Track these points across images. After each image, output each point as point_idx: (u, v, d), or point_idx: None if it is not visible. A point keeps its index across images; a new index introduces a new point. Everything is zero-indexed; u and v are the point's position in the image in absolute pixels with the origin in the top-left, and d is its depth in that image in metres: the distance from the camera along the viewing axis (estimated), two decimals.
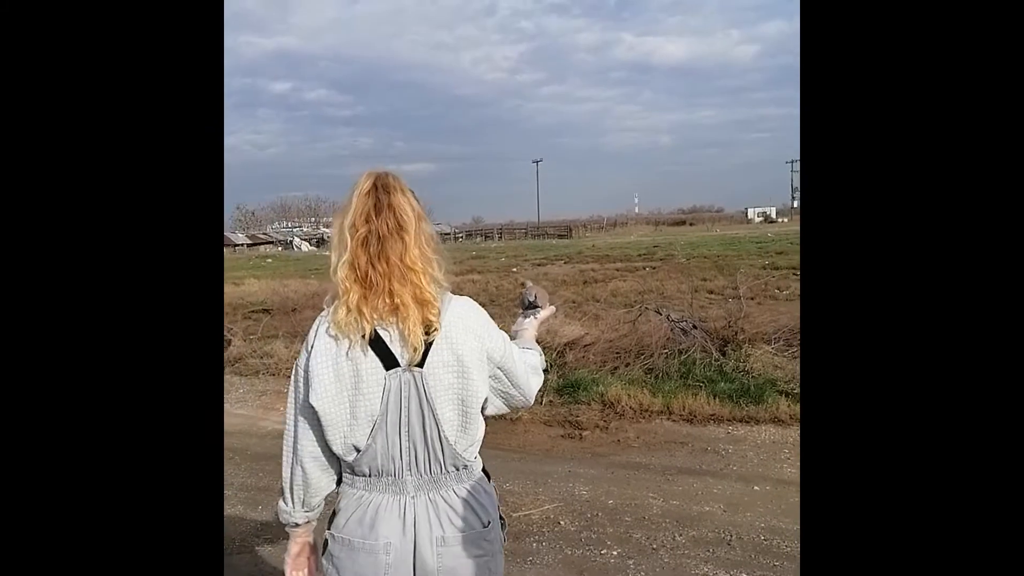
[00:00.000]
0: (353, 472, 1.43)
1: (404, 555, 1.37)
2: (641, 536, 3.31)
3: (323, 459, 1.47)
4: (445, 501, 1.40)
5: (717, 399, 5.39)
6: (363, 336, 1.36)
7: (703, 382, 5.92)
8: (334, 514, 1.46)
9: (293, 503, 1.52)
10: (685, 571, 2.97)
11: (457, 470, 1.41)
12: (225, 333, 8.81)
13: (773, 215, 73.90)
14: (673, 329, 7.18)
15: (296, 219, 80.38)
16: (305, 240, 62.34)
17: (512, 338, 1.63)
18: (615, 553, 3.16)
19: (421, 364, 1.37)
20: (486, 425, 1.50)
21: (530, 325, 1.77)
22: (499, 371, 1.47)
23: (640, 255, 24.63)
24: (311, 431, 1.44)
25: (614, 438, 4.90)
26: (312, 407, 1.38)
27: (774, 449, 4.47)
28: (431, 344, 1.37)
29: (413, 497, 1.39)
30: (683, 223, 74.81)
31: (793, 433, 4.72)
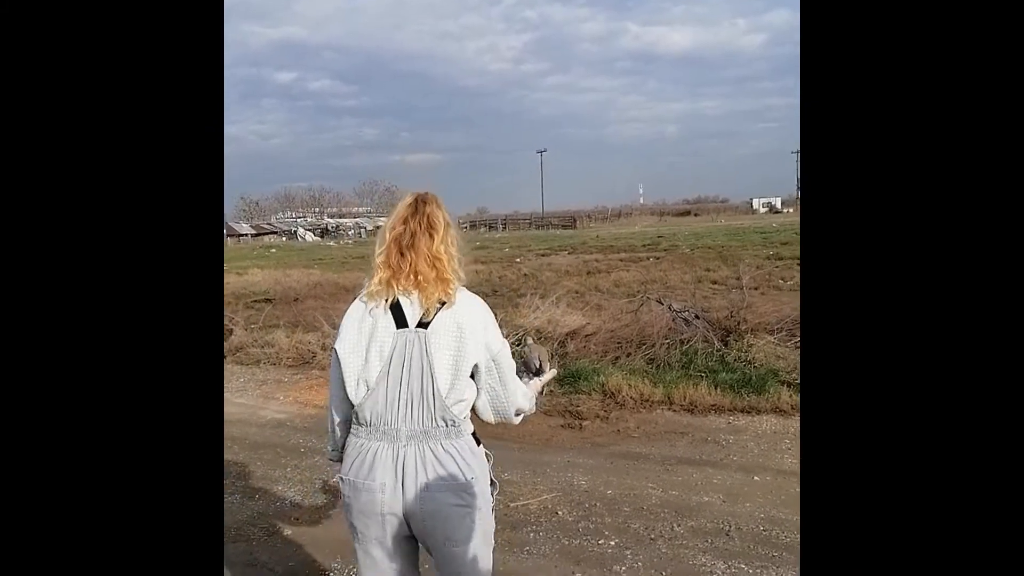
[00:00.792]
0: (358, 421, 1.66)
1: (396, 494, 1.59)
2: (639, 526, 3.28)
3: (348, 422, 1.74)
4: (433, 452, 1.60)
5: (718, 389, 5.35)
6: (386, 301, 1.65)
7: (705, 372, 5.89)
8: (342, 460, 1.71)
9: (333, 447, 1.83)
10: (683, 561, 2.94)
11: (446, 425, 1.61)
12: (226, 323, 8.81)
13: (778, 205, 73.52)
14: (675, 319, 7.14)
15: (300, 209, 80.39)
16: (309, 230, 62.35)
17: None
18: (613, 543, 3.13)
19: (426, 326, 1.62)
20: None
21: (531, 385, 1.94)
22: (492, 363, 1.68)
23: (644, 245, 24.56)
24: (342, 403, 1.71)
25: (614, 428, 4.87)
26: (337, 354, 1.67)
27: (775, 439, 4.43)
28: (439, 311, 1.64)
29: (404, 446, 1.60)
30: (688, 214, 74.65)
31: (794, 423, 4.69)
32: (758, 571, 2.84)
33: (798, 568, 2.80)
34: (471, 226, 65.62)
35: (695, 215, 71.28)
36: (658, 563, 2.94)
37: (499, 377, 1.69)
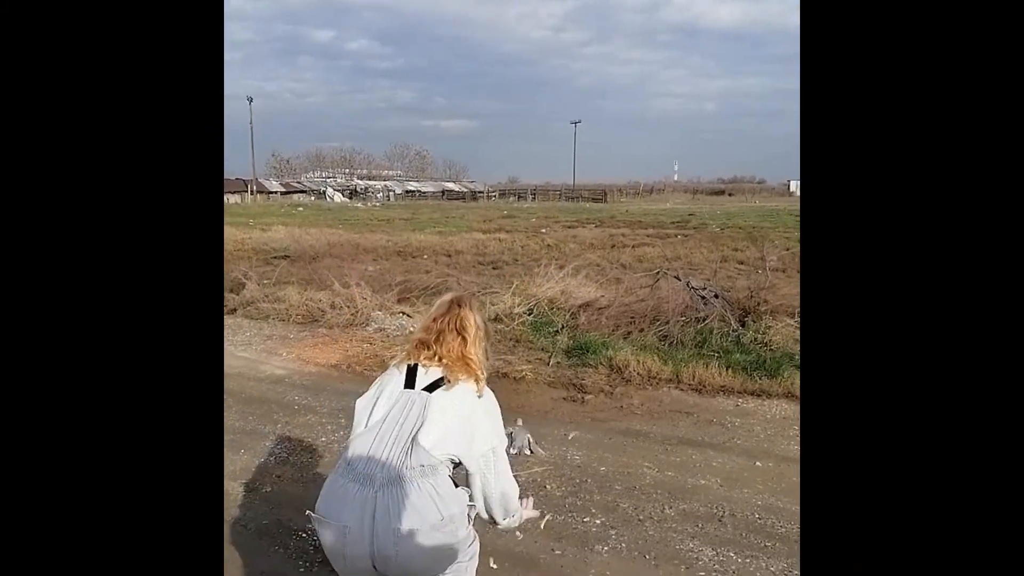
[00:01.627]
0: (342, 459, 1.68)
1: (360, 540, 1.53)
2: (628, 506, 3.14)
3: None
4: (406, 495, 1.55)
5: (730, 370, 5.15)
6: (406, 366, 1.76)
7: (718, 352, 5.69)
8: (320, 499, 1.65)
9: None
10: (669, 545, 2.80)
11: (422, 467, 1.58)
12: (240, 277, 8.78)
13: None
14: (693, 296, 6.92)
15: (330, 169, 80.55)
16: (338, 191, 62.54)
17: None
18: (598, 522, 2.99)
19: (431, 389, 1.69)
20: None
21: (522, 503, 1.87)
22: (491, 453, 1.69)
23: (673, 223, 24.12)
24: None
25: (617, 404, 4.71)
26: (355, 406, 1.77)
27: (783, 425, 4.24)
28: (454, 385, 1.71)
29: (377, 491, 1.56)
30: (722, 193, 73.42)
31: None
32: (747, 561, 2.68)
33: (790, 560, 2.63)
34: (500, 195, 65.29)
35: (729, 195, 70.05)
36: (643, 545, 2.79)
37: (494, 466, 1.70)
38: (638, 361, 5.37)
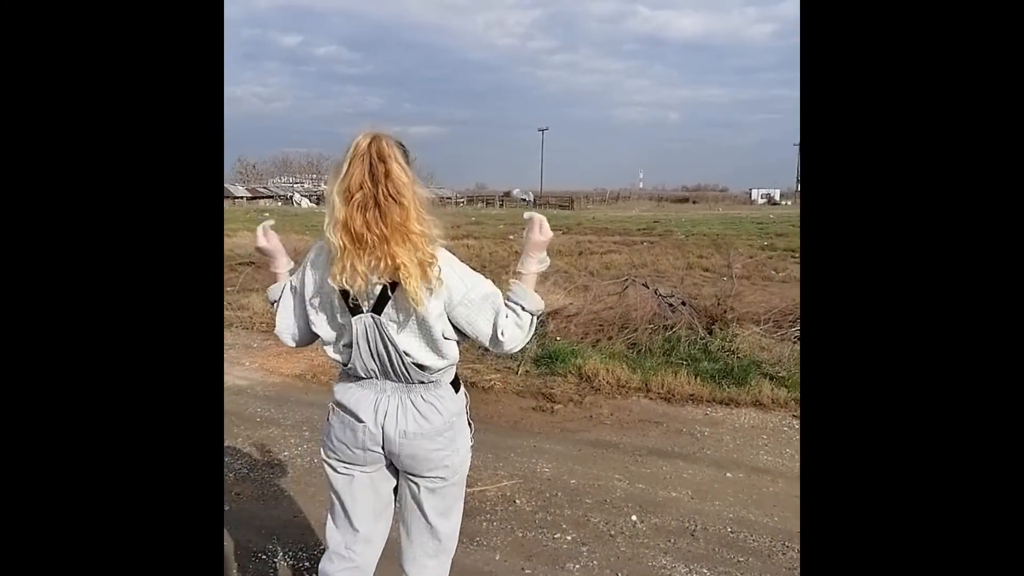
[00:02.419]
0: (343, 370, 1.75)
1: (375, 436, 1.70)
2: (600, 520, 3.09)
3: (295, 337, 1.82)
4: (412, 403, 1.68)
5: (698, 378, 5.15)
6: (346, 288, 1.58)
7: (686, 360, 5.69)
8: (335, 393, 1.77)
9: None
10: (641, 562, 2.75)
11: (424, 383, 1.68)
12: None
13: (777, 197, 73.33)
14: (660, 304, 6.93)
15: (297, 175, 79.54)
16: (305, 196, 61.78)
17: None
18: (569, 538, 2.94)
19: (378, 311, 1.61)
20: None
21: (529, 271, 1.77)
22: (459, 309, 1.64)
23: (639, 230, 24.29)
24: (293, 318, 1.79)
25: (587, 413, 4.67)
26: (314, 331, 1.73)
27: (752, 434, 4.24)
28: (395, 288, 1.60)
29: (389, 396, 1.69)
30: (686, 200, 74.41)
31: (774, 418, 4.50)
32: None
33: None
34: (468, 201, 65.17)
35: (693, 202, 71.01)
36: (615, 563, 2.74)
37: (467, 319, 1.65)
38: (607, 370, 5.34)
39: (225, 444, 4.01)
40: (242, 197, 60.71)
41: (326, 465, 1.80)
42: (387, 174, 1.54)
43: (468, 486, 3.38)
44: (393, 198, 1.53)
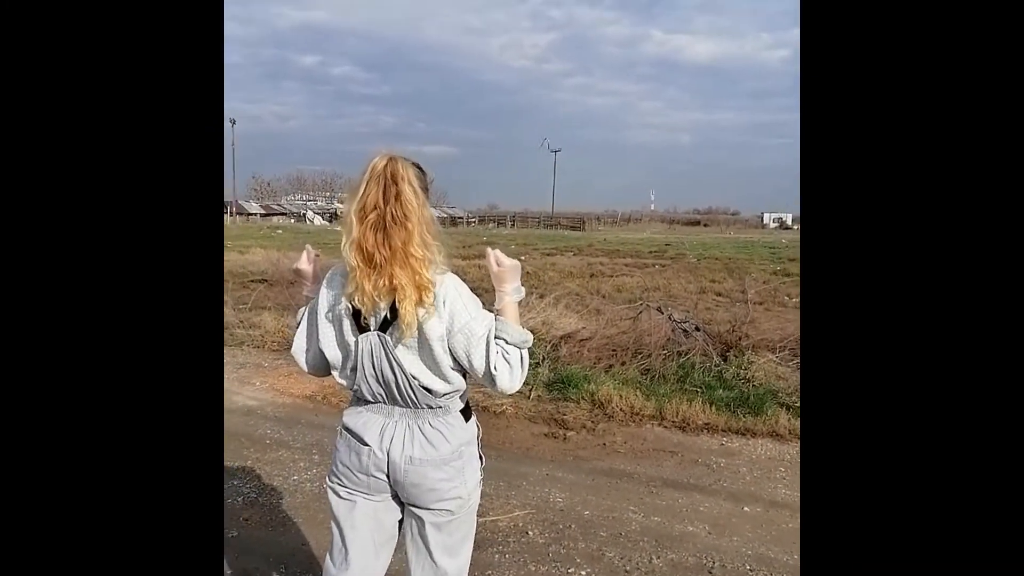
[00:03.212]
0: (353, 393, 1.73)
1: (379, 461, 1.67)
2: (615, 555, 3.01)
3: (308, 360, 1.81)
4: (420, 429, 1.66)
5: (713, 407, 5.07)
6: (358, 307, 1.60)
7: (700, 388, 5.61)
8: (344, 417, 1.75)
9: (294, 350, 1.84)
10: None
11: (431, 408, 1.65)
12: None
13: (789, 221, 73.07)
14: (674, 330, 6.86)
15: (311, 192, 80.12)
16: (318, 214, 62.20)
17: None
18: (583, 573, 2.86)
19: (384, 329, 1.61)
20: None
21: (504, 304, 1.70)
22: (458, 337, 1.60)
23: (651, 252, 24.23)
24: (308, 339, 1.78)
25: (600, 441, 4.60)
26: (322, 349, 1.70)
27: (769, 466, 4.15)
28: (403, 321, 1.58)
29: (396, 421, 1.67)
30: (698, 223, 74.31)
31: (791, 449, 4.40)
32: None
33: None
34: (480, 220, 65.37)
35: (705, 225, 70.93)
36: None
37: (466, 353, 1.61)
38: (620, 396, 5.27)
39: (234, 466, 3.97)
40: (256, 214, 61.22)
41: (329, 491, 1.76)
42: (397, 195, 1.56)
43: (479, 515, 3.32)
44: (399, 220, 1.55)
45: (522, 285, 1.72)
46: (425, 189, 1.64)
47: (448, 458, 1.66)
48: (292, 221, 56.69)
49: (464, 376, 1.66)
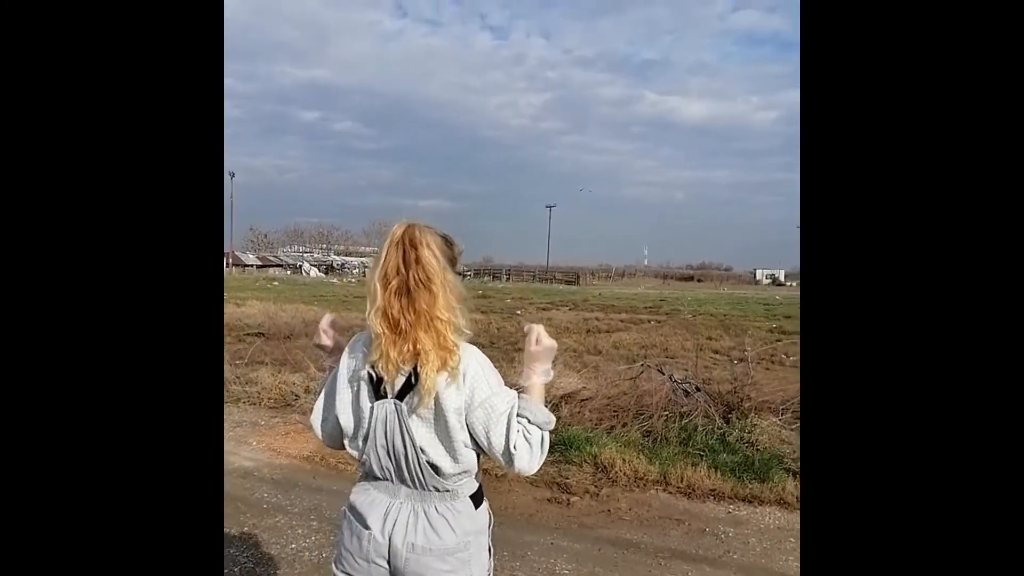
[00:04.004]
0: (361, 467, 1.69)
1: (380, 547, 1.59)
2: None
3: (324, 432, 1.75)
4: (426, 514, 1.58)
5: (718, 472, 5.00)
6: (380, 375, 1.57)
7: (704, 451, 5.54)
8: (350, 496, 1.69)
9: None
10: None
11: (439, 491, 1.59)
12: None
13: (781, 277, 73.64)
14: (675, 390, 6.81)
15: (308, 244, 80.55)
16: (315, 266, 62.37)
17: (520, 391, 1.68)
18: None
19: (402, 396, 1.56)
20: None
21: (531, 383, 1.67)
22: (478, 412, 1.55)
23: (646, 307, 24.30)
24: (324, 410, 1.73)
25: (604, 507, 4.51)
26: (337, 416, 1.66)
27: (778, 536, 4.07)
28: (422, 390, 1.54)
29: (401, 503, 1.61)
30: (691, 279, 74.82)
31: (799, 519, 4.32)
32: None
33: None
34: (475, 274, 65.64)
35: (698, 280, 71.39)
36: None
37: (484, 430, 1.56)
38: (624, 460, 5.20)
39: (231, 533, 3.87)
40: (252, 265, 61.35)
41: None
42: (417, 259, 1.55)
43: None
44: (423, 283, 1.54)
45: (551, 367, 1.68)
46: (452, 259, 1.63)
47: (453, 549, 1.57)
48: (288, 273, 56.81)
49: (478, 456, 1.61)
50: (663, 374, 7.10)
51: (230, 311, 15.80)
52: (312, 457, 5.39)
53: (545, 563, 3.60)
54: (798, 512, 4.39)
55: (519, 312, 20.38)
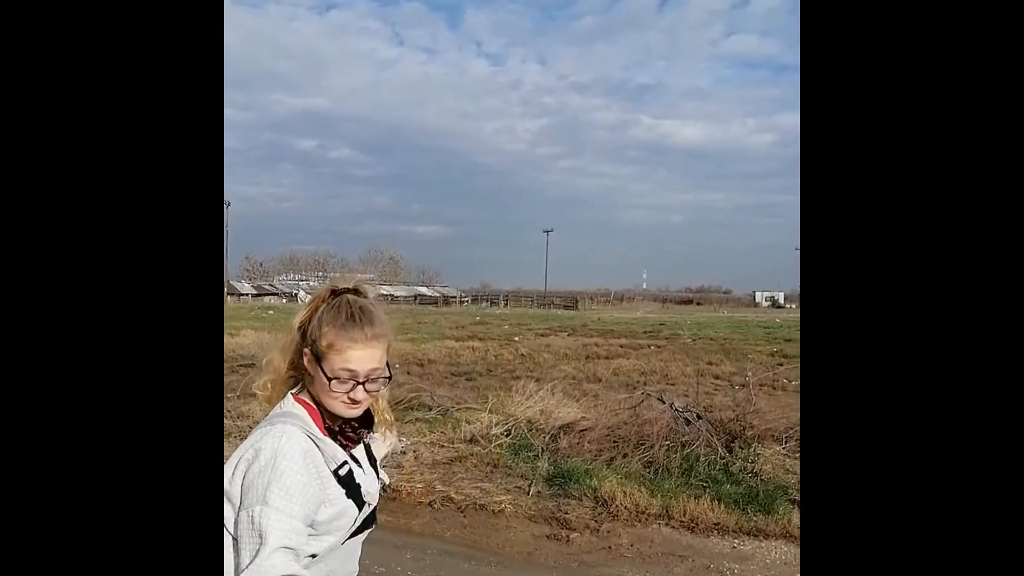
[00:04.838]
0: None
1: None
2: None
3: None
4: None
5: (722, 504, 4.85)
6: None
7: (707, 482, 5.39)
8: None
9: None
10: None
11: None
12: None
13: (781, 300, 73.68)
14: (676, 419, 6.67)
15: (304, 272, 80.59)
16: (309, 294, 62.25)
17: None
18: None
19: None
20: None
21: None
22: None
23: (645, 332, 24.17)
24: None
25: (605, 543, 4.36)
26: None
27: (785, 572, 3.92)
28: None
29: None
30: (690, 302, 74.86)
31: None
32: None
33: None
34: (472, 300, 65.61)
35: (697, 304, 71.42)
36: None
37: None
38: (625, 493, 5.05)
39: None
40: (247, 294, 61.29)
41: None
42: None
43: None
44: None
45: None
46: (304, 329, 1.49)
47: None
48: (284, 301, 56.69)
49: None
50: (663, 403, 6.97)
51: (225, 341, 15.64)
52: None
53: None
54: None
55: (517, 339, 20.25)
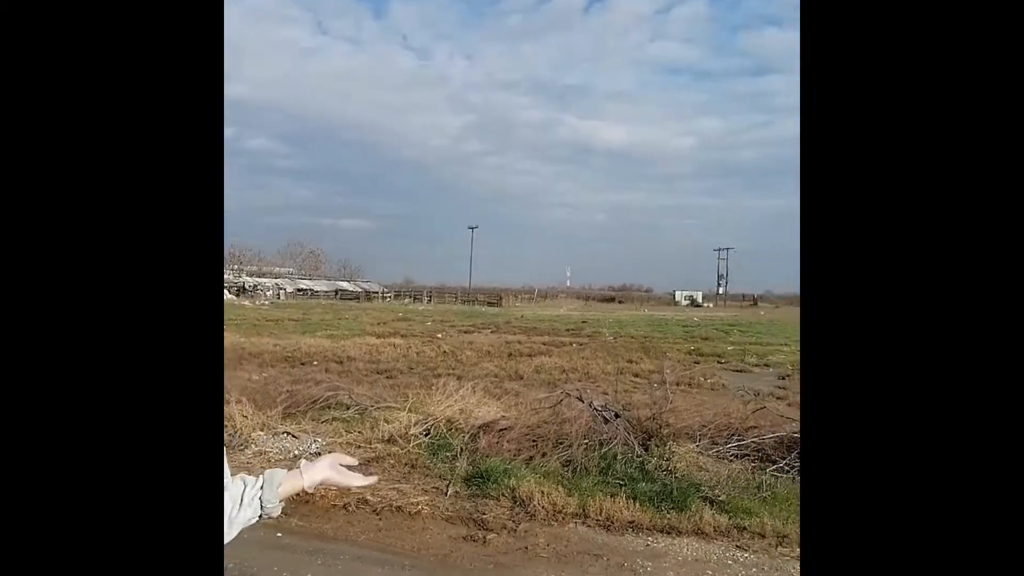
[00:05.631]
0: None
1: None
2: None
3: None
4: None
5: (637, 502, 4.92)
6: None
7: (623, 480, 5.47)
8: None
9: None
10: None
11: None
12: None
13: (699, 299, 76.10)
14: (595, 417, 6.75)
15: None
16: (225, 288, 60.03)
17: None
18: None
19: None
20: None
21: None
22: None
23: (568, 329, 24.47)
24: None
25: (522, 544, 4.35)
26: None
27: (696, 569, 4.01)
28: None
29: None
30: (612, 300, 76.37)
31: (716, 549, 4.29)
32: None
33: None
34: (395, 295, 64.81)
35: (619, 302, 72.93)
36: None
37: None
38: (542, 493, 5.05)
39: None
40: None
41: None
42: None
43: None
44: None
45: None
46: None
47: None
48: None
49: None
50: (583, 402, 7.03)
51: None
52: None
53: None
54: (715, 542, 4.36)
55: (440, 336, 20.11)
